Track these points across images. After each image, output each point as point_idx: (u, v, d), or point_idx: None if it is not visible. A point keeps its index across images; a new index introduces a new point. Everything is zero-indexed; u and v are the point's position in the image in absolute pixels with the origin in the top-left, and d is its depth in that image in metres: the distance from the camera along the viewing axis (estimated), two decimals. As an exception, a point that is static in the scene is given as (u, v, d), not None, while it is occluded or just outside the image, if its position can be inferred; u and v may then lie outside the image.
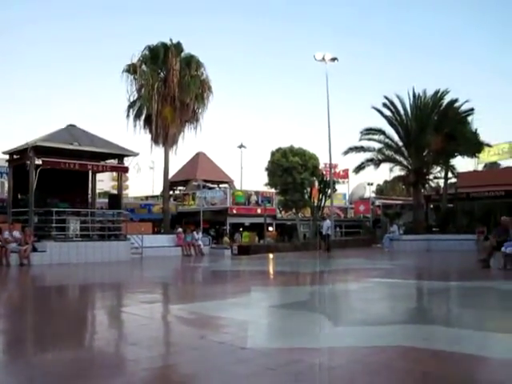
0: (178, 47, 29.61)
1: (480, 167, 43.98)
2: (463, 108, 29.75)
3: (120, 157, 22.14)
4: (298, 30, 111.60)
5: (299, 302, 8.71)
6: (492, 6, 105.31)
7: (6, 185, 25.86)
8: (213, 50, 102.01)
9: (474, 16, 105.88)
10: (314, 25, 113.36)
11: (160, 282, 13.68)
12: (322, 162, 35.28)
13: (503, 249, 14.16)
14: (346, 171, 45.39)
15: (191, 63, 29.54)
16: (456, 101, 29.65)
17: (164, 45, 29.51)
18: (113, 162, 22.53)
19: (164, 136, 29.01)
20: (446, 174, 31.16)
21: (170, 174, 34.67)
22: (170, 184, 35.56)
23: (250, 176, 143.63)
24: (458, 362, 4.63)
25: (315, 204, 33.69)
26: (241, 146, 54.64)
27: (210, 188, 45.80)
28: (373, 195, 50.04)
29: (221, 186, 50.53)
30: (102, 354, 5.24)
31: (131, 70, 28.97)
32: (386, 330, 6.11)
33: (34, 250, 17.86)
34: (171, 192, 43.43)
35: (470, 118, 29.95)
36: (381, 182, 63.52)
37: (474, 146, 29.61)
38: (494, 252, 14.80)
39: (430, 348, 5.13)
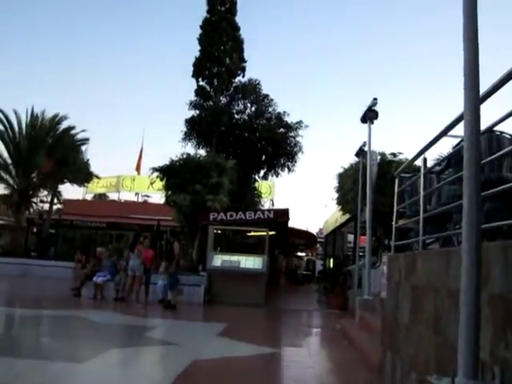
0: None
1: (89, 197, 45.13)
2: (79, 136, 30.11)
3: None
4: None
5: None
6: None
7: None
8: None
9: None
10: None
11: None
12: None
13: (95, 278, 14.79)
14: None
15: None
16: (73, 128, 29.81)
17: None
18: None
19: None
20: (52, 199, 30.84)
21: None
22: None
23: None
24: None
25: None
26: None
27: None
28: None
29: None
30: None
31: None
32: None
33: None
34: None
35: (84, 148, 30.55)
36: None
37: (84, 175, 30.20)
38: (87, 281, 15.30)
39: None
